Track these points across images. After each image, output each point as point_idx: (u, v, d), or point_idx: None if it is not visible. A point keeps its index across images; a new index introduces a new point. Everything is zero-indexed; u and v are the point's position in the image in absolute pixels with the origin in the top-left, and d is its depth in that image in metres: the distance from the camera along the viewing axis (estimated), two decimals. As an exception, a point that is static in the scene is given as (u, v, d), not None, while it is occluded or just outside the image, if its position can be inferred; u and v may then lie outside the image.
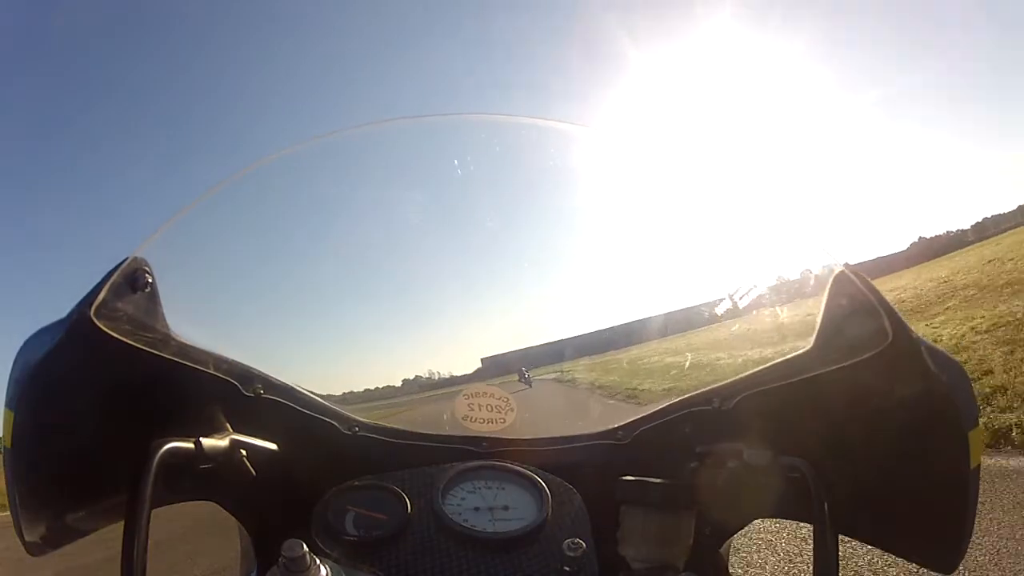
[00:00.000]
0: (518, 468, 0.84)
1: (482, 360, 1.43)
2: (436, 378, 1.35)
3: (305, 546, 0.59)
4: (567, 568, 0.68)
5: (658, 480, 0.73)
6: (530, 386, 1.85)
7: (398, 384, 1.35)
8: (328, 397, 0.88)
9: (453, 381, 1.28)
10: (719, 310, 0.98)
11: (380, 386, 1.30)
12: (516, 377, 1.83)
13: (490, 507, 0.79)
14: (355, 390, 1.20)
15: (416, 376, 1.38)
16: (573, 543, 0.68)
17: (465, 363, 1.34)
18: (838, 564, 0.60)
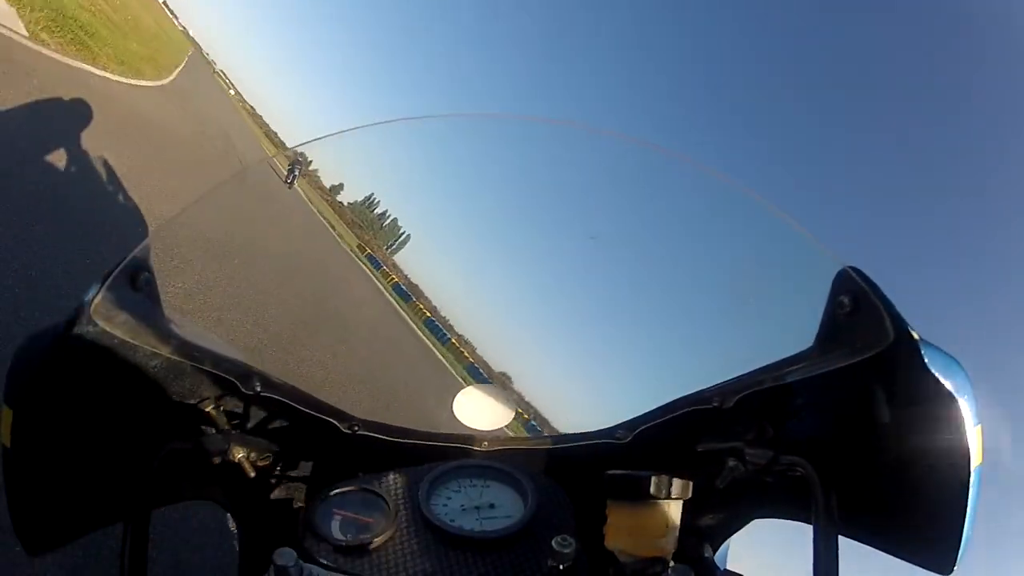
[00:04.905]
0: (499, 466, 0.83)
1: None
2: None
3: (296, 554, 0.59)
4: (558, 565, 0.67)
5: (642, 472, 0.73)
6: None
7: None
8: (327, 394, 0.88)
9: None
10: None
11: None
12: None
13: (476, 506, 0.78)
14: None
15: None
16: (563, 540, 0.66)
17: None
18: (838, 565, 0.60)
